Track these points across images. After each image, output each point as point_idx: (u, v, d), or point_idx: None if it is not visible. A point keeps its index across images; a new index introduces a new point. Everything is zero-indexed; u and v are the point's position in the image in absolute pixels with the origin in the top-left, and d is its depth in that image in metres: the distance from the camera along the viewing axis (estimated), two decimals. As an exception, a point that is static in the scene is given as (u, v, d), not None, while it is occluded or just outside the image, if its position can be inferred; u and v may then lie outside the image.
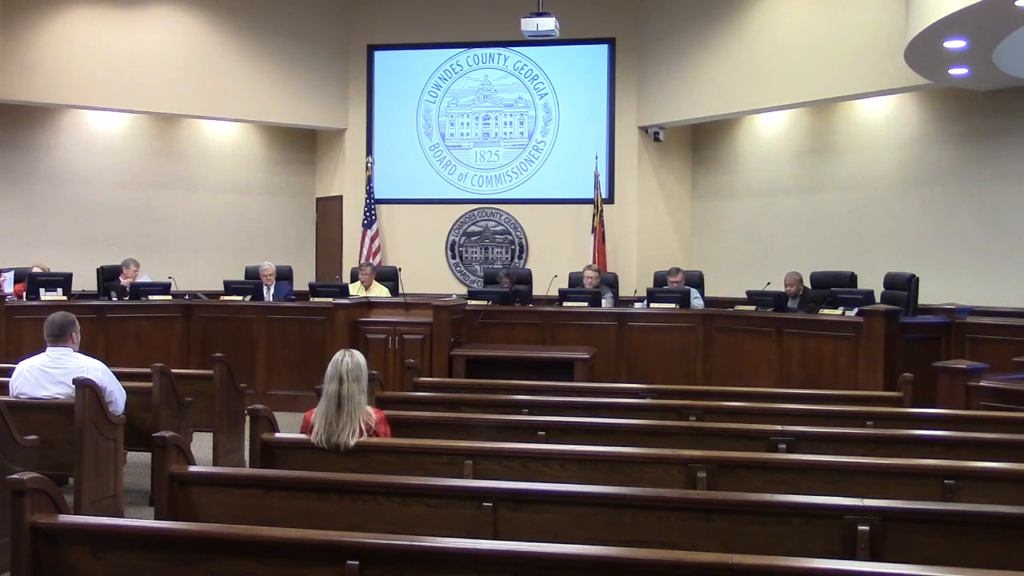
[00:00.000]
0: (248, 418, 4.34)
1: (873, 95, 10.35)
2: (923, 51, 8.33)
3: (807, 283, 9.69)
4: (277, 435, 4.28)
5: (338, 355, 4.35)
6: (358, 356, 4.34)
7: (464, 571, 2.72)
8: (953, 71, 8.84)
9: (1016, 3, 6.83)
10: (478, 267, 12.99)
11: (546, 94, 12.95)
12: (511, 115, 13.06)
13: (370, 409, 4.33)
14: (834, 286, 9.19)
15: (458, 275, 13.14)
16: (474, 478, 3.98)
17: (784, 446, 4.56)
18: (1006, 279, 9.50)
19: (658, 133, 12.57)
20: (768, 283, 9.63)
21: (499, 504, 3.37)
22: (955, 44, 7.95)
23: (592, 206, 12.39)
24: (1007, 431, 4.92)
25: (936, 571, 2.52)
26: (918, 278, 8.93)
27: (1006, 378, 6.17)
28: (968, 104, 9.84)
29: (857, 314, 8.07)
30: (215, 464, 6.52)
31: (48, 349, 5.52)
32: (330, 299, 9.65)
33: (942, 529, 3.12)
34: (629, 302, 10.41)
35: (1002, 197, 9.60)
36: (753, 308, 9.22)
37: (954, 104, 9.99)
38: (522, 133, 13.02)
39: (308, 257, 13.90)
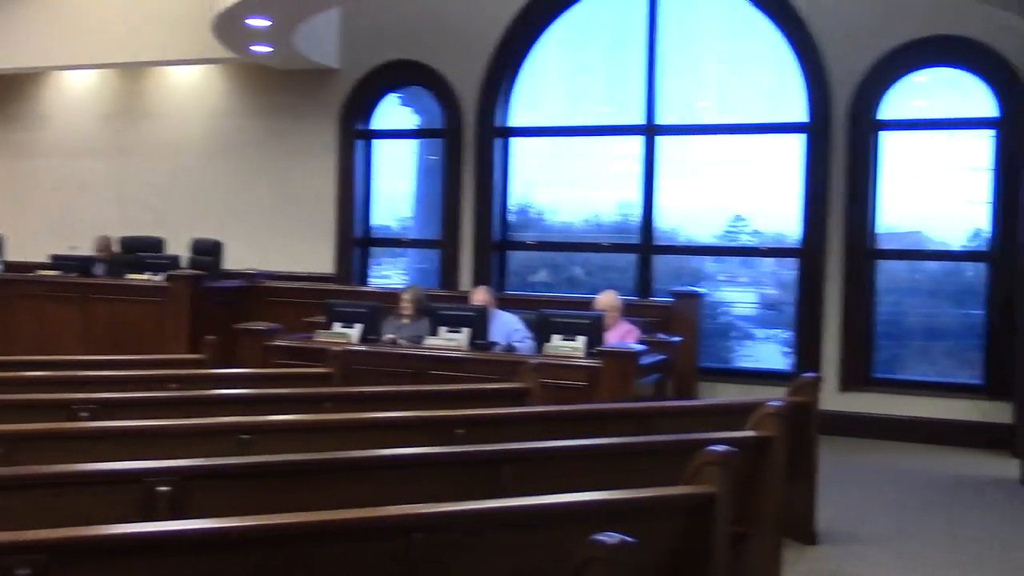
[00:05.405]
0: None
1: (179, 63, 10.42)
2: (229, 26, 8.63)
3: (117, 248, 9.50)
4: None
5: None
6: None
7: None
8: (256, 48, 9.29)
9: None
10: None
11: None
12: None
13: None
14: (144, 251, 9.17)
15: None
16: None
17: (87, 414, 4.46)
18: (303, 246, 10.28)
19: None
20: (74, 247, 9.23)
21: None
22: (258, 23, 8.38)
23: None
24: (297, 386, 5.41)
25: (233, 522, 2.68)
26: (223, 244, 9.30)
27: (298, 337, 6.81)
28: (269, 80, 10.39)
29: (164, 279, 8.18)
30: None
31: None
32: None
33: (239, 483, 3.34)
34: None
35: (297, 171, 10.33)
36: (58, 273, 8.80)
37: (257, 79, 10.49)
38: None
39: None
